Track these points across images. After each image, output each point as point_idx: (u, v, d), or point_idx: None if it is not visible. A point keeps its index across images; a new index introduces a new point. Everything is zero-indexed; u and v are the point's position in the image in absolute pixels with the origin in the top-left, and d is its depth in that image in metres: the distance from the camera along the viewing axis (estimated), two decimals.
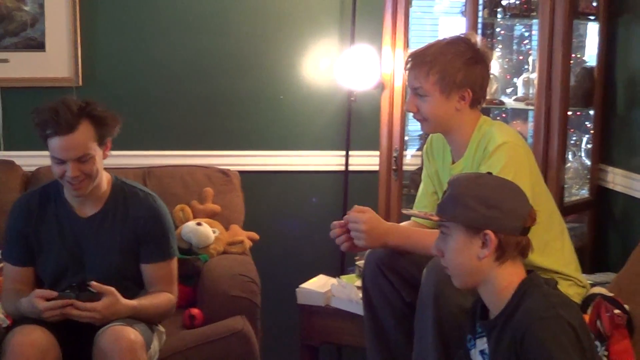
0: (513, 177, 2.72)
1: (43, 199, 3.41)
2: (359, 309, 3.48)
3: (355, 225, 3.14)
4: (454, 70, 3.08)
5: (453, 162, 3.23)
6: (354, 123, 4.58)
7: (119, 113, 3.35)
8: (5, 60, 4.43)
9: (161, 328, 3.45)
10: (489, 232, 2.47)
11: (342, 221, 3.19)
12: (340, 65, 4.48)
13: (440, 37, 3.34)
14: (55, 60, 4.44)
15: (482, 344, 2.60)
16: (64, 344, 3.18)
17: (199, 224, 4.08)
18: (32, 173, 4.26)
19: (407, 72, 3.20)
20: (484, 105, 3.35)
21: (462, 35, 3.23)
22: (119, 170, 3.61)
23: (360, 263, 3.64)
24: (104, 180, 3.38)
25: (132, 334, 3.11)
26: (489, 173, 2.67)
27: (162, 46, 4.52)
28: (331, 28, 4.57)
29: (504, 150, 3.01)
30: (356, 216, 3.15)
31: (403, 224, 3.44)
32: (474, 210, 2.48)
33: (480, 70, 3.14)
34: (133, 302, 3.26)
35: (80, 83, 4.42)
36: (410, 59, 3.18)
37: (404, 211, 3.44)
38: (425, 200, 3.40)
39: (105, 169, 3.39)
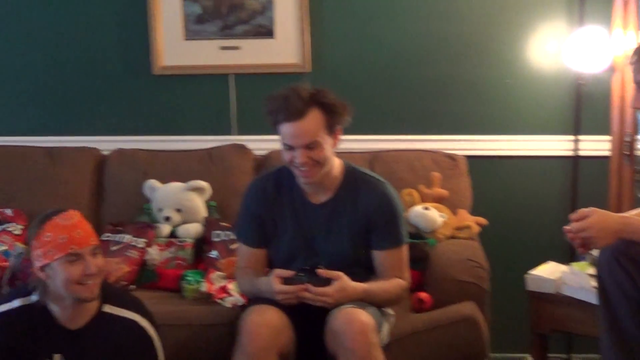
0: None
1: (278, 183, 3.47)
2: (591, 298, 3.39)
3: (582, 234, 3.05)
4: None
5: None
6: (583, 107, 4.46)
7: (347, 97, 3.36)
8: (236, 48, 4.57)
9: (391, 311, 3.47)
10: None
11: (568, 227, 3.10)
12: (568, 48, 4.34)
13: None
14: (284, 47, 4.55)
15: None
16: (297, 325, 3.25)
17: (426, 208, 4.09)
18: (263, 157, 4.40)
19: (631, 66, 3.09)
20: None
21: None
22: (346, 154, 3.64)
23: (594, 251, 3.55)
24: (336, 167, 3.41)
25: (364, 316, 3.15)
26: None
27: (388, 31, 4.54)
28: (558, 9, 4.45)
29: None
30: (579, 226, 3.05)
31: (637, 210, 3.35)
32: None
33: None
34: (363, 286, 3.29)
35: (309, 69, 4.51)
36: (635, 53, 3.07)
37: None
38: None
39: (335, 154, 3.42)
